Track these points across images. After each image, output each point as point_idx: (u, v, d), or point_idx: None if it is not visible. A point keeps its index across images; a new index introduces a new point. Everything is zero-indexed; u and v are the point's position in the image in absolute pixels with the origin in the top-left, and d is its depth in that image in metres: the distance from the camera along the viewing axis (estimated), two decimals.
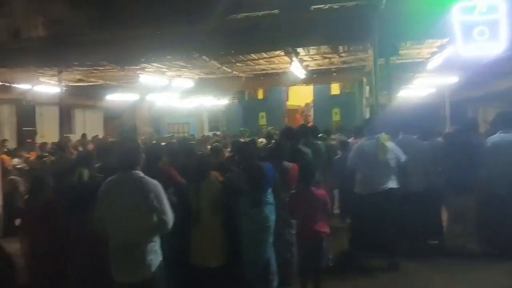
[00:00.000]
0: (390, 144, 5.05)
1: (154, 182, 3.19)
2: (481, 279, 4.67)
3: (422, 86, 13.35)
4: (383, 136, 5.04)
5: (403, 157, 5.07)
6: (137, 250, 3.09)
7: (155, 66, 9.32)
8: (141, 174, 3.21)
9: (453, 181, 5.42)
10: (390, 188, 4.99)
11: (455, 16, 5.56)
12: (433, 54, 9.39)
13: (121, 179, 3.20)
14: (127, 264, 3.10)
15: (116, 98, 13.46)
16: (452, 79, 11.95)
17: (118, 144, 4.56)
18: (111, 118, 18.24)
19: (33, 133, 14.19)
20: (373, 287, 4.83)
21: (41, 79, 10.24)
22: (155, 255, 3.19)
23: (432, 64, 9.80)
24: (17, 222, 4.84)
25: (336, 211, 7.63)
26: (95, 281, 3.55)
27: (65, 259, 3.89)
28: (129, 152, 3.24)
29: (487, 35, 5.51)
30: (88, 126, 16.83)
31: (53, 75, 9.54)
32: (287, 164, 4.91)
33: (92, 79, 11.13)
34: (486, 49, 5.74)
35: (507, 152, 5.10)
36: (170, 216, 3.17)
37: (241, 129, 14.88)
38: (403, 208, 5.33)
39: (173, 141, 7.97)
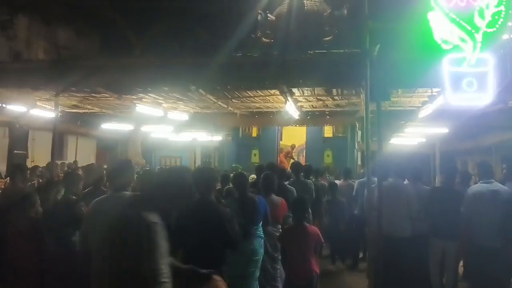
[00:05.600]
0: None
1: None
2: None
3: (412, 135, 13.52)
4: None
5: None
6: None
7: (152, 96, 9.44)
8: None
9: (436, 226, 5.52)
10: None
11: (445, 67, 5.78)
12: (424, 103, 9.62)
13: (110, 199, 3.20)
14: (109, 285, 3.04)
15: (110, 127, 13.46)
16: (442, 130, 12.15)
17: (112, 164, 4.59)
18: (103, 147, 18.18)
19: (24, 157, 14.09)
20: None
21: (38, 103, 10.27)
22: None
23: (423, 113, 10.02)
24: None
25: (326, 251, 7.59)
26: None
27: (44, 276, 3.81)
28: (122, 172, 3.25)
29: (475, 86, 5.71)
30: (80, 154, 16.74)
31: (49, 99, 9.59)
32: (276, 198, 4.94)
33: (88, 106, 11.17)
34: (474, 100, 5.93)
35: (488, 201, 5.17)
36: None
37: (233, 165, 14.89)
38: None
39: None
